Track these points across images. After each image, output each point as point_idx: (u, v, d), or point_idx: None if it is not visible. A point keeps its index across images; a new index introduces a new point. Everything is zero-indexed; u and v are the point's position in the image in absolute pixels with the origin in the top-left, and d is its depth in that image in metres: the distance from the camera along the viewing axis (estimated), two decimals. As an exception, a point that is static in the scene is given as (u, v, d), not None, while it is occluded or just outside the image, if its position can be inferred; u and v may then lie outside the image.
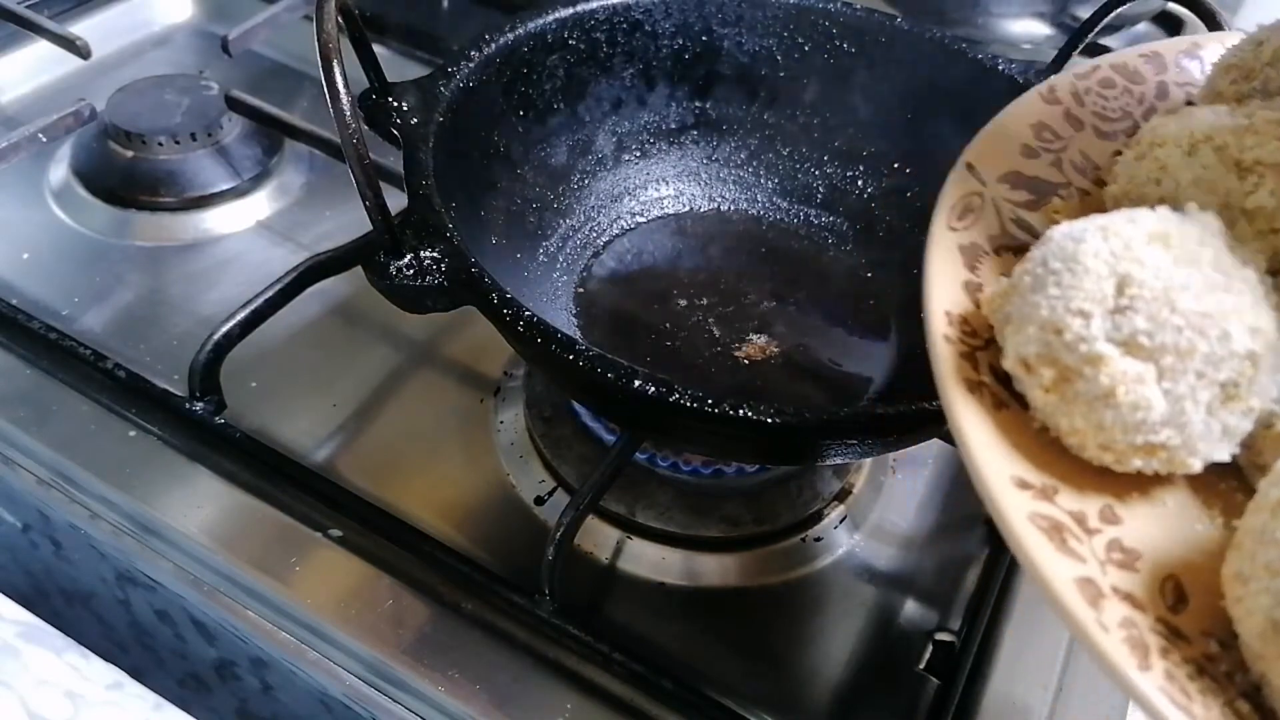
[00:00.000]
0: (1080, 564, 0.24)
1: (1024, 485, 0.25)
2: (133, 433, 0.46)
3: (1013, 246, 0.32)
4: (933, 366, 0.27)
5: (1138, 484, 0.27)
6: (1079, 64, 0.37)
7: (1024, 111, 0.35)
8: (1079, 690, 0.41)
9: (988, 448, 0.26)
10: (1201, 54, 0.38)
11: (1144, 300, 0.25)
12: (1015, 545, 0.24)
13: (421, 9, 0.76)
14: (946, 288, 0.29)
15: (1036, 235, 0.32)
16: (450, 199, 0.39)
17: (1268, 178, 0.29)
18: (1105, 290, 0.26)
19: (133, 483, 0.44)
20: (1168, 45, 0.38)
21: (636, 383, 0.34)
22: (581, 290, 0.51)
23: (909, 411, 0.34)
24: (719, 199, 0.56)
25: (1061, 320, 0.26)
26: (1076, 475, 0.26)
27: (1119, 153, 0.34)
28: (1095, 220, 0.27)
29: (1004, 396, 0.27)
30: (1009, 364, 0.27)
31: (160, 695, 0.39)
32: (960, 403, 0.26)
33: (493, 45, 0.46)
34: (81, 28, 0.69)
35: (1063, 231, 0.28)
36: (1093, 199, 0.34)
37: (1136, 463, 0.26)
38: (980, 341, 0.28)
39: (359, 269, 0.37)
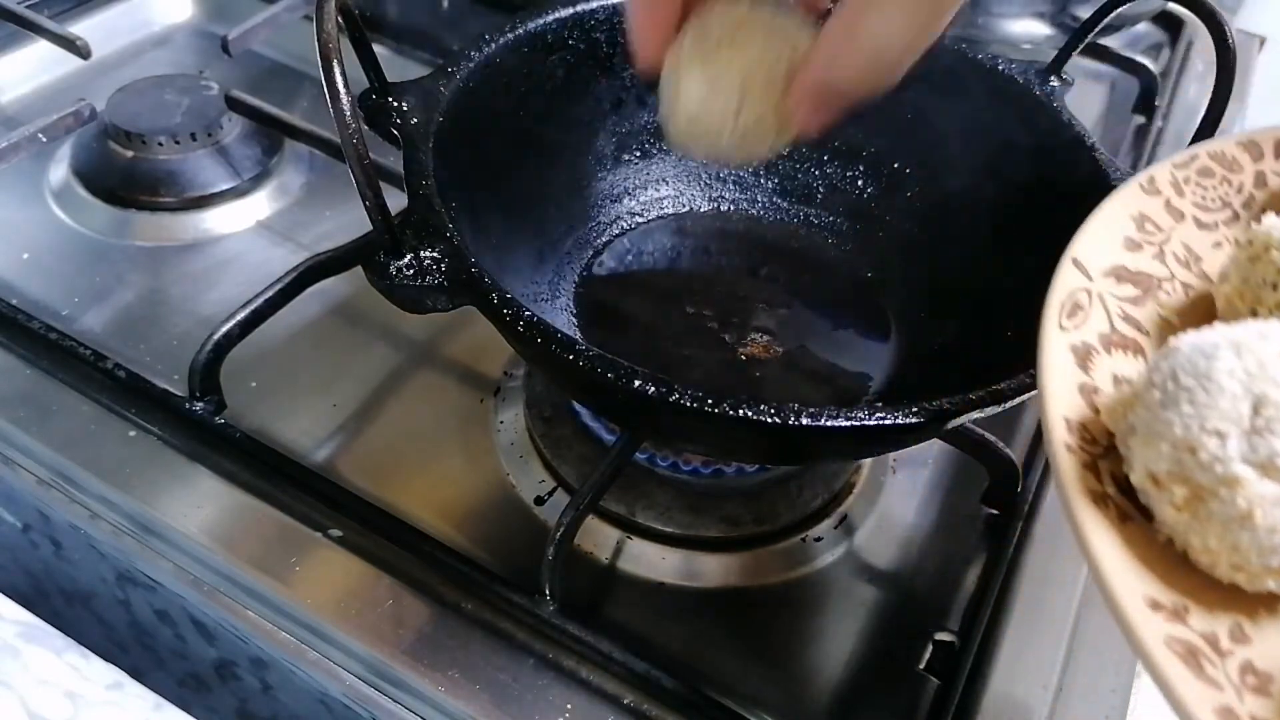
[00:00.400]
0: (1219, 692, 0.24)
1: (1156, 606, 0.25)
2: (133, 433, 0.46)
3: (1123, 344, 0.31)
4: (1055, 476, 0.27)
5: (1265, 601, 0.27)
6: (1177, 155, 0.37)
7: (1125, 203, 0.35)
8: (1079, 690, 0.41)
9: (1119, 567, 0.25)
10: None
11: None
12: (1154, 673, 0.24)
13: (421, 9, 0.76)
14: (1063, 392, 0.29)
15: (1145, 332, 0.32)
16: (450, 199, 0.39)
17: None
18: (1241, 410, 0.25)
19: (133, 483, 0.44)
20: (1264, 134, 0.38)
21: (636, 383, 0.34)
22: (581, 290, 0.51)
23: (908, 412, 0.34)
24: (719, 199, 0.56)
25: (1196, 439, 0.25)
26: (1204, 592, 0.26)
27: (1219, 244, 0.34)
28: (1225, 334, 0.27)
29: (1128, 509, 0.27)
30: (1137, 478, 0.27)
31: (160, 695, 0.39)
32: (1088, 518, 0.26)
33: (493, 45, 0.46)
34: (81, 28, 0.69)
35: (1191, 344, 0.27)
36: (1198, 293, 0.34)
37: (1270, 584, 0.26)
38: (1100, 449, 0.28)
39: (359, 269, 0.37)
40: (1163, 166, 0.36)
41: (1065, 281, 0.32)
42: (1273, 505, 0.25)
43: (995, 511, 0.49)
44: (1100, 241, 0.33)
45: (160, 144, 0.60)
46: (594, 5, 0.50)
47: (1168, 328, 0.33)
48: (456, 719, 0.39)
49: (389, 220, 0.35)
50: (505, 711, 0.38)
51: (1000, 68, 0.50)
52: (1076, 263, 0.32)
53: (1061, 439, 0.28)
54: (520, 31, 0.48)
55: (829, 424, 0.33)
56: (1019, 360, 0.41)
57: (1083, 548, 0.26)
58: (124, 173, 0.59)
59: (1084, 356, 0.30)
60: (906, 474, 0.51)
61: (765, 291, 0.52)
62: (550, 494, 0.47)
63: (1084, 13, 0.53)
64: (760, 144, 0.37)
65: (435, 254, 0.36)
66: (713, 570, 0.45)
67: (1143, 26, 0.88)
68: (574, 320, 0.49)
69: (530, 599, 0.41)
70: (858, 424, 0.34)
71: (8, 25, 0.66)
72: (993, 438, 0.47)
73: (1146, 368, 0.29)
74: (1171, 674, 0.23)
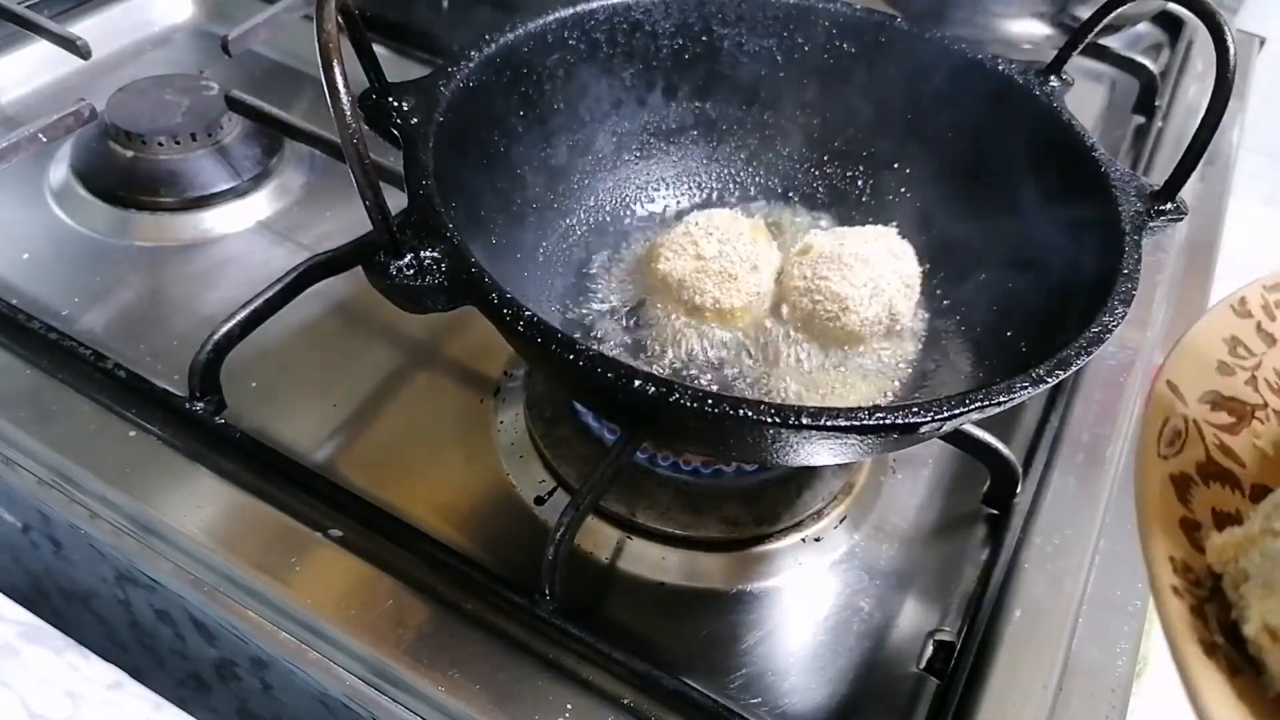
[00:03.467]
0: None
1: None
2: (133, 433, 0.46)
3: (1220, 476, 0.30)
4: (1164, 624, 0.26)
5: None
6: (1268, 277, 0.35)
7: (1216, 325, 0.34)
8: (1077, 689, 0.41)
9: None
10: None
11: None
12: None
13: (422, 9, 0.76)
14: (1166, 528, 0.28)
15: (1241, 463, 0.31)
16: (450, 199, 0.39)
17: None
18: None
19: (133, 483, 0.44)
20: None
21: (636, 383, 0.34)
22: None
23: (908, 412, 0.34)
24: (719, 200, 0.56)
25: None
26: None
27: None
28: None
29: (1237, 661, 0.26)
30: (1251, 629, 0.26)
31: (160, 695, 0.39)
32: (1201, 673, 0.25)
33: (493, 45, 0.46)
34: (82, 28, 0.69)
35: None
36: None
37: None
38: (1205, 592, 0.27)
39: (359, 269, 0.38)
40: (1253, 287, 0.35)
41: (1161, 407, 0.30)
42: None
43: (995, 511, 0.49)
44: (1192, 364, 0.32)
45: (160, 144, 0.60)
46: (594, 5, 0.50)
47: (1263, 459, 0.32)
48: (457, 718, 0.39)
49: (389, 220, 0.35)
50: (505, 711, 0.38)
51: (1000, 68, 0.50)
52: (1171, 385, 0.31)
53: (1167, 582, 0.26)
54: (520, 31, 0.48)
55: (829, 424, 0.33)
56: (1018, 361, 0.41)
57: (1195, 704, 0.24)
58: (124, 173, 0.59)
59: (1183, 488, 0.29)
60: (906, 474, 0.51)
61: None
62: (550, 494, 0.47)
63: (1084, 13, 0.53)
64: None
65: (435, 254, 0.36)
66: (713, 570, 0.45)
67: (1142, 27, 0.88)
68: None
69: (530, 599, 0.41)
70: (857, 424, 0.33)
71: (8, 25, 0.66)
72: (993, 438, 0.47)
73: (1261, 511, 0.28)
74: None
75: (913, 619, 0.45)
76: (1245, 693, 0.25)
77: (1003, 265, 0.48)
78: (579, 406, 0.48)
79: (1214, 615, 0.27)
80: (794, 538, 0.47)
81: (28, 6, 0.67)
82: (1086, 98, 0.81)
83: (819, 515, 0.47)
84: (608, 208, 0.54)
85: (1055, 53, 0.51)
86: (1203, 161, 0.43)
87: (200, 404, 0.46)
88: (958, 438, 0.48)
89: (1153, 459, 0.29)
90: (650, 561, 0.45)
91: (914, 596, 0.46)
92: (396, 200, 0.35)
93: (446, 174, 0.40)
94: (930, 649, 0.43)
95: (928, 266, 0.50)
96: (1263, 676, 0.26)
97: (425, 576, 0.42)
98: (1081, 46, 0.51)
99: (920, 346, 0.49)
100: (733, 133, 0.56)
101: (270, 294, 0.47)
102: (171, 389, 0.47)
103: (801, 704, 0.41)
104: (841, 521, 0.48)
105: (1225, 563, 0.27)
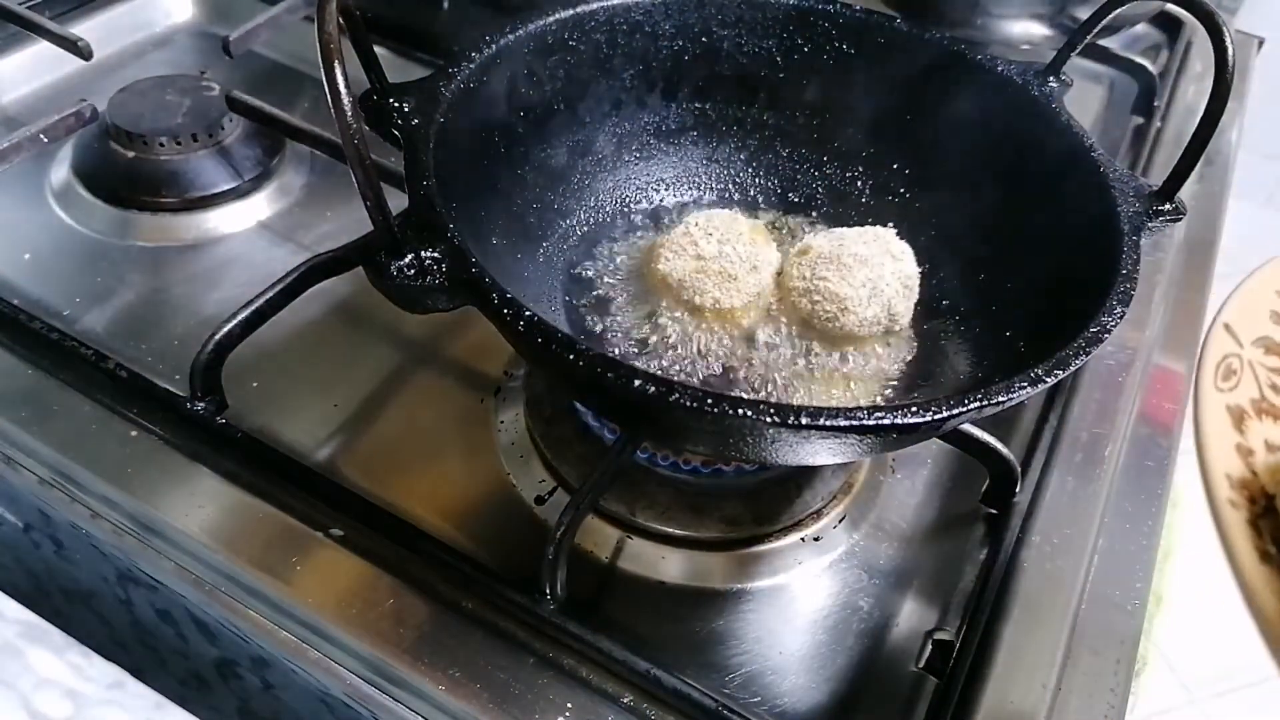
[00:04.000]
0: None
1: None
2: (134, 432, 0.46)
3: (1273, 412, 0.33)
4: (1220, 532, 0.28)
5: None
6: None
7: (1269, 278, 0.37)
8: (1077, 689, 0.42)
9: None
10: None
11: None
12: None
13: (422, 10, 0.76)
14: (1222, 450, 0.31)
15: None
16: (451, 199, 0.39)
17: None
18: None
19: (134, 482, 0.44)
20: None
21: (636, 382, 0.34)
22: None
23: (907, 412, 0.34)
24: (720, 200, 0.57)
25: None
26: None
27: None
28: None
29: None
30: None
31: (161, 694, 0.39)
32: (1258, 577, 0.28)
33: (493, 46, 0.46)
34: (83, 28, 0.69)
35: None
36: None
37: None
38: (1260, 508, 0.30)
39: (360, 269, 0.38)
40: None
41: (1218, 345, 0.33)
42: None
43: (994, 511, 0.49)
44: (1248, 311, 0.34)
45: (161, 144, 0.60)
46: (594, 6, 0.50)
47: None
48: (457, 717, 0.39)
49: (390, 220, 0.35)
50: (505, 710, 0.39)
51: (999, 69, 0.50)
52: (1228, 328, 0.34)
53: (1225, 495, 0.29)
54: (520, 33, 0.48)
55: (828, 424, 0.33)
56: (1017, 361, 0.41)
57: (1250, 603, 0.26)
58: (125, 173, 0.60)
59: (1238, 418, 0.32)
60: (906, 474, 0.51)
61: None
62: (550, 494, 0.47)
63: (1083, 14, 0.53)
64: None
65: (436, 254, 0.36)
66: (713, 570, 0.45)
67: (1141, 27, 0.88)
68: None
69: (530, 598, 0.41)
70: (857, 424, 0.34)
71: (9, 26, 0.66)
72: (992, 438, 0.47)
73: None
74: None
75: (912, 618, 0.45)
76: None
77: (1001, 266, 0.48)
78: (579, 406, 0.48)
79: (1267, 529, 0.29)
80: (793, 537, 0.47)
81: (29, 7, 0.67)
82: (1085, 98, 0.81)
83: (818, 515, 0.48)
84: (608, 208, 0.54)
85: (1054, 53, 0.51)
86: (1201, 162, 0.43)
87: (201, 404, 0.46)
88: (957, 437, 0.48)
89: (1210, 389, 0.31)
90: (650, 561, 0.45)
91: (913, 596, 0.46)
92: (397, 201, 0.35)
93: (447, 174, 0.40)
94: (929, 648, 0.43)
95: (926, 267, 0.50)
96: None
97: (426, 576, 0.42)
98: (1080, 47, 0.51)
99: (919, 347, 0.49)
100: (732, 133, 0.56)
101: (271, 294, 0.47)
102: (173, 389, 0.47)
103: (801, 703, 0.41)
104: (841, 521, 0.48)
105: (1279, 482, 0.30)
